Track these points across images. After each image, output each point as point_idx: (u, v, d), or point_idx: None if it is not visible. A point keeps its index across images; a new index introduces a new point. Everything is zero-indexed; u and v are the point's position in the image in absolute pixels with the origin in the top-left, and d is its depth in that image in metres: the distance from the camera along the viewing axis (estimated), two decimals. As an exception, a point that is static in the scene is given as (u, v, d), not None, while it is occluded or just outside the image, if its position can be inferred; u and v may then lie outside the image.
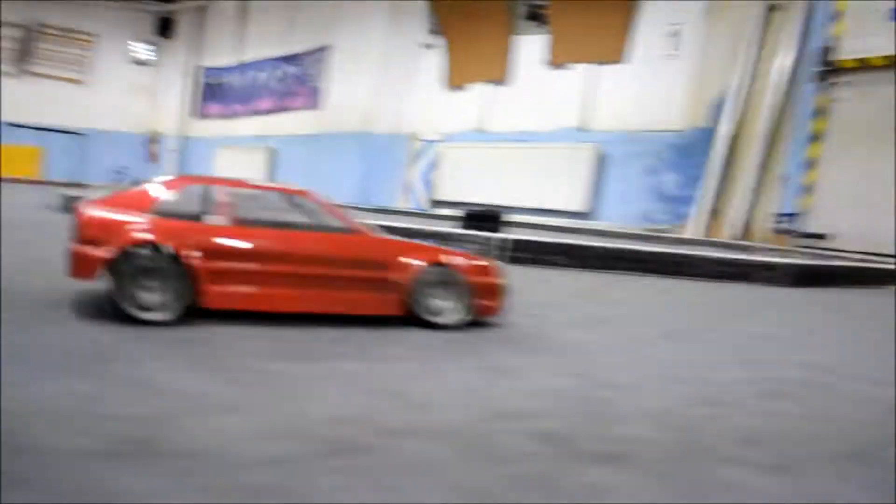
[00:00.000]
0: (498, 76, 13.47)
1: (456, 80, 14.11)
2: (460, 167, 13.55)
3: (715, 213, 11.02)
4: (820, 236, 9.94)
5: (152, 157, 19.14)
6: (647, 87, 11.62)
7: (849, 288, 7.16)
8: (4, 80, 18.24)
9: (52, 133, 18.10)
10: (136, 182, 3.86)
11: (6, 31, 18.51)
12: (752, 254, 8.13)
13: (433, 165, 14.08)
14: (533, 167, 12.43)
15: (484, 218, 8.22)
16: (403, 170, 14.57)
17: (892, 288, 7.52)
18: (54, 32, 18.95)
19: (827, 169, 9.90)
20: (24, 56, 18.78)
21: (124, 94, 19.56)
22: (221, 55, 18.51)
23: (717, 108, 11.04)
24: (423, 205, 14.05)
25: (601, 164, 11.96)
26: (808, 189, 10.03)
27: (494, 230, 7.40)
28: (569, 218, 11.77)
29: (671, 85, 11.46)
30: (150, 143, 19.30)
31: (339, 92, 15.36)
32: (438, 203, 13.62)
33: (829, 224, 9.73)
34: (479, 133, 13.53)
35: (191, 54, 19.40)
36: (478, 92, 13.78)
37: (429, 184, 14.14)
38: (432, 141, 14.25)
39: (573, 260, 6.58)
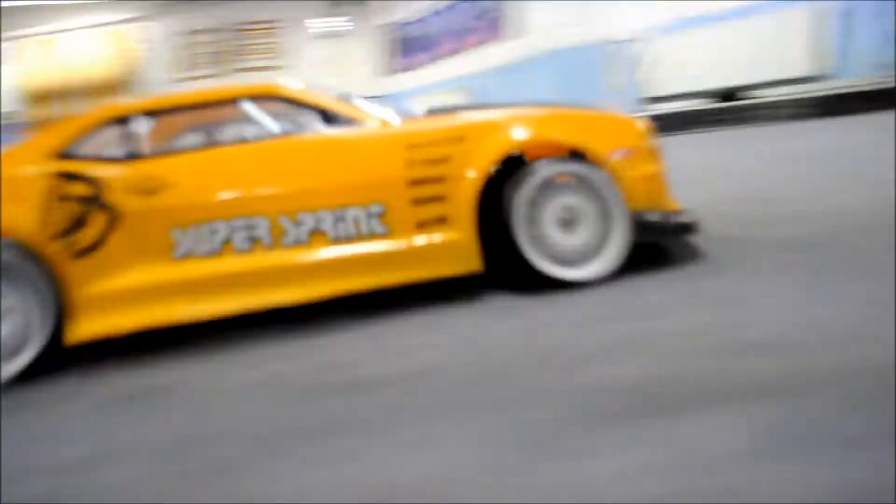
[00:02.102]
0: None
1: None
2: (671, 58, 12.98)
3: None
4: None
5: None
6: None
7: None
8: (213, 82, 19.89)
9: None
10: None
11: (205, 37, 20.11)
12: None
13: (637, 64, 13.61)
14: (759, 40, 11.57)
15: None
16: (604, 76, 14.20)
17: None
18: (245, 28, 20.32)
19: None
20: (223, 56, 20.34)
21: (315, 67, 20.61)
22: (403, 10, 18.89)
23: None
24: (636, 108, 13.64)
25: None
26: None
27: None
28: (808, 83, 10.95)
29: None
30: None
31: (521, 17, 15.19)
32: (653, 99, 13.18)
33: None
34: (685, 20, 12.84)
35: (378, 15, 19.95)
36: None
37: (635, 85, 13.70)
38: (630, 40, 13.74)
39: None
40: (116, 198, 2.60)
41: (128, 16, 19.68)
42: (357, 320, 2.80)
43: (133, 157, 2.75)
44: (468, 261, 2.56)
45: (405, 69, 18.95)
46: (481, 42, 16.35)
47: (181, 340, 2.86)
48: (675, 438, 1.51)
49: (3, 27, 18.77)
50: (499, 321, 2.50)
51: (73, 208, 2.56)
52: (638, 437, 1.54)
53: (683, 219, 2.71)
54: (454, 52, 17.01)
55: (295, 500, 1.53)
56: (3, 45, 19.19)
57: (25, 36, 19.23)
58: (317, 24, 20.39)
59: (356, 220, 2.51)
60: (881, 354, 1.78)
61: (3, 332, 2.56)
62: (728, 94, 11.66)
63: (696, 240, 2.99)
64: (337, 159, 2.70)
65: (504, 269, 2.62)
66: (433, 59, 17.79)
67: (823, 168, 4.99)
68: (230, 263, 2.59)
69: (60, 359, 2.74)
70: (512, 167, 2.55)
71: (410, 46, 18.61)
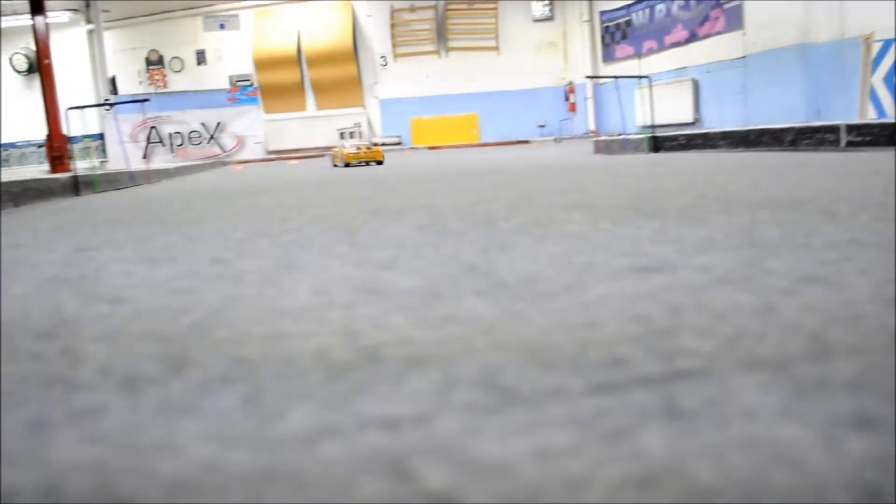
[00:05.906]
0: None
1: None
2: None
3: None
4: None
5: (571, 108, 19.81)
6: None
7: None
8: (430, 59, 20.30)
9: (480, 98, 19.73)
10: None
11: (423, 14, 20.43)
12: None
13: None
14: None
15: None
16: (859, 77, 13.00)
17: None
18: (461, 8, 20.45)
19: None
20: (441, 35, 20.57)
21: (534, 52, 20.56)
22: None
23: None
24: (891, 112, 12.38)
25: None
26: None
27: None
28: None
29: None
30: (567, 95, 19.96)
31: (762, 7, 14.21)
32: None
33: None
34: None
35: (585, 2, 19.58)
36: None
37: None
38: (891, 40, 12.46)
39: None
40: None
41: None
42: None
43: None
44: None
45: (623, 57, 18.39)
46: (713, 32, 15.51)
47: None
48: None
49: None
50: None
51: None
52: None
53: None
54: (682, 41, 16.27)
55: None
56: (240, 14, 20.50)
57: (257, 6, 20.39)
58: (536, 7, 20.18)
59: None
60: None
61: None
62: None
63: None
64: None
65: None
66: (657, 49, 17.14)
67: None
68: None
69: None
70: None
71: (633, 34, 18.01)
